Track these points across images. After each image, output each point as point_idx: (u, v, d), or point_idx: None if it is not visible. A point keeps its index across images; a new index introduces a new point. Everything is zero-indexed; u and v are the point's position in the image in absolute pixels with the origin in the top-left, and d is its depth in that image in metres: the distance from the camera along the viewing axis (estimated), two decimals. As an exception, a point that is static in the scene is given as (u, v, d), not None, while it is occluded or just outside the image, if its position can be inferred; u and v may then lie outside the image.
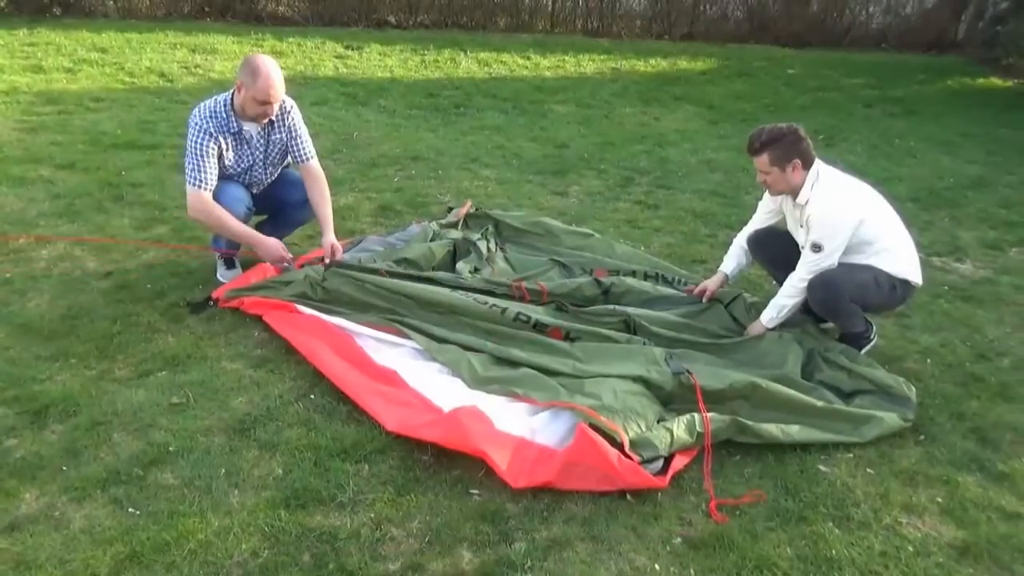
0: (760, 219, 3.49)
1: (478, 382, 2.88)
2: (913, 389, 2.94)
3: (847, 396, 2.96)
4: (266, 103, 3.29)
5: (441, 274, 3.55)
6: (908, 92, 9.44)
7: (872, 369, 3.04)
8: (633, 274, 3.68)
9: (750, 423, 2.64)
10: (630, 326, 3.27)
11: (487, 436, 2.47)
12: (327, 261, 3.46)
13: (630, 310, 3.34)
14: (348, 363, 2.93)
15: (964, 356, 3.39)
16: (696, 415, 2.63)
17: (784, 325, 3.28)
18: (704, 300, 3.47)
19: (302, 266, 3.54)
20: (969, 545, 2.29)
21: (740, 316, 3.39)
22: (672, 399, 2.82)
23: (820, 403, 2.82)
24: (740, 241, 3.53)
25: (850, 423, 2.76)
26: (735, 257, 3.52)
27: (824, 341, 3.25)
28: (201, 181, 3.32)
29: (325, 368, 2.89)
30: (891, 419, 2.78)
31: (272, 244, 3.47)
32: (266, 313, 3.26)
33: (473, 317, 3.23)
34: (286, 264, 3.53)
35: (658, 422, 2.63)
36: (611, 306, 3.39)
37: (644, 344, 3.14)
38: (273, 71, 3.26)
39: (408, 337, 3.13)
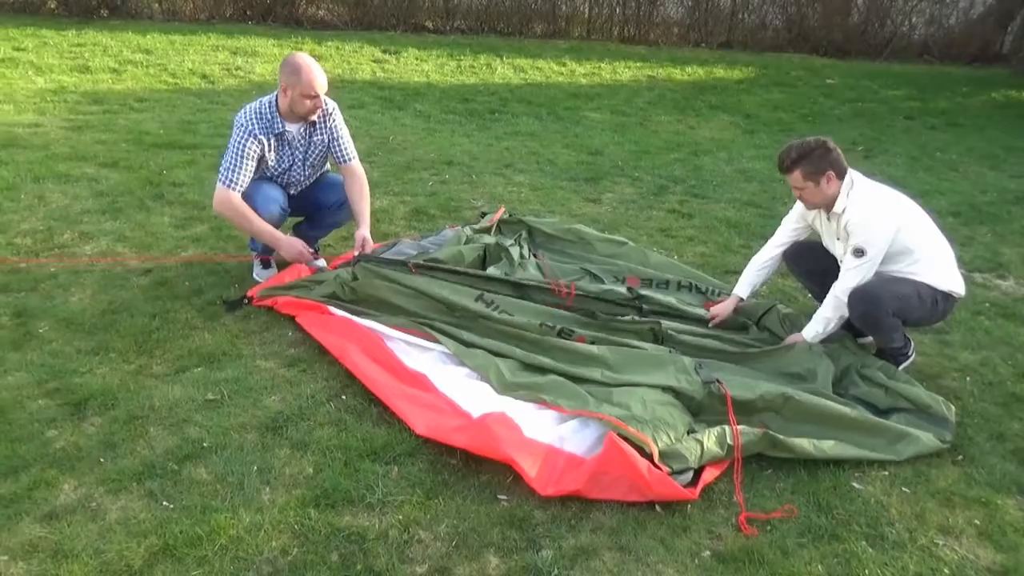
0: (784, 235, 3.42)
1: (506, 387, 2.88)
2: (952, 409, 2.88)
3: (883, 413, 2.90)
4: (315, 96, 3.35)
5: (470, 270, 3.58)
6: (951, 104, 9.27)
7: (911, 387, 2.98)
8: (667, 283, 3.65)
9: (782, 437, 2.61)
10: (657, 336, 3.26)
11: (515, 443, 2.47)
12: (356, 254, 3.49)
13: (661, 321, 3.32)
14: (378, 365, 2.95)
15: (1005, 375, 3.31)
16: (727, 427, 2.60)
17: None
18: (711, 325, 3.40)
19: (336, 267, 3.58)
20: (1008, 570, 2.23)
21: (775, 328, 3.35)
22: (702, 409, 2.80)
23: (853, 412, 2.78)
24: (754, 264, 3.46)
25: (884, 438, 2.71)
26: (748, 282, 3.45)
27: (862, 357, 3.19)
28: (233, 181, 3.38)
29: (356, 369, 2.91)
30: (927, 439, 2.72)
31: (293, 243, 3.51)
32: (299, 314, 3.30)
33: (496, 322, 3.24)
34: (320, 264, 3.57)
35: (688, 433, 2.61)
36: (638, 317, 3.38)
37: (670, 352, 3.12)
38: (314, 65, 3.35)
39: (437, 341, 3.15)
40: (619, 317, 3.38)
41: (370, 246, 3.54)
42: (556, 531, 2.26)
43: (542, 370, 3.00)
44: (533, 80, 9.13)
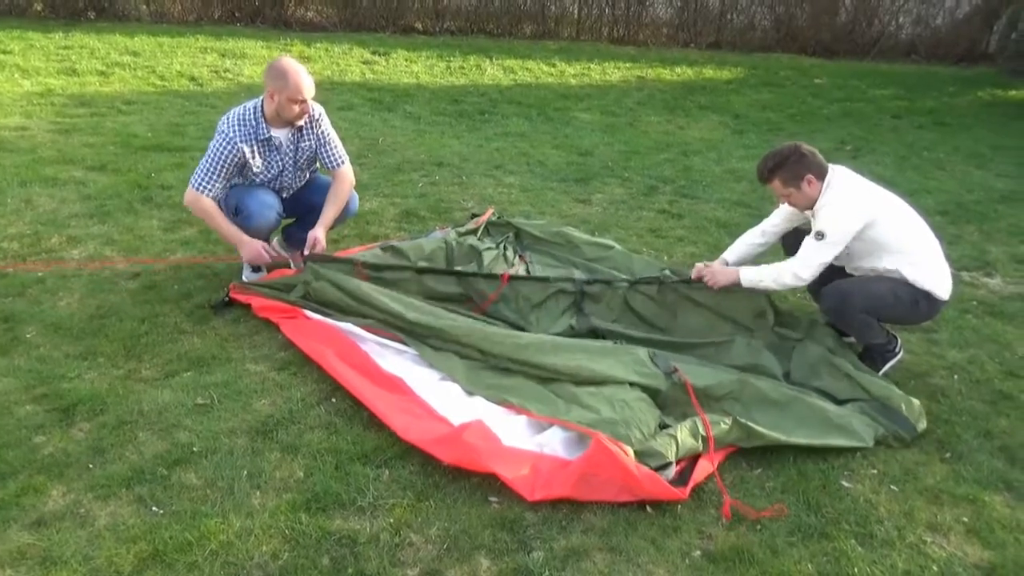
0: (778, 217, 3.44)
1: (473, 386, 2.89)
2: (916, 407, 2.86)
3: (840, 403, 2.92)
4: (302, 101, 3.33)
5: (414, 264, 3.56)
6: (937, 103, 9.32)
7: (876, 380, 2.98)
8: (648, 282, 3.58)
9: (752, 425, 2.64)
10: (598, 335, 3.30)
11: (496, 453, 2.46)
12: (305, 253, 3.47)
13: (594, 320, 3.38)
14: (355, 370, 2.92)
15: (993, 373, 3.33)
16: (696, 419, 2.64)
17: (795, 329, 3.30)
18: (693, 277, 3.42)
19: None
20: (995, 567, 2.25)
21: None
22: (667, 403, 2.82)
23: (808, 398, 2.85)
24: (749, 238, 3.49)
25: (837, 427, 2.74)
26: (737, 251, 3.48)
27: (837, 349, 3.19)
28: (204, 187, 3.38)
29: (335, 374, 2.89)
30: (866, 426, 2.76)
31: (252, 245, 3.47)
32: (278, 320, 3.27)
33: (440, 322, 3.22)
34: (302, 265, 3.55)
35: (661, 428, 2.64)
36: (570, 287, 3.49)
37: (618, 343, 3.15)
38: (300, 69, 3.34)
39: (406, 344, 3.14)
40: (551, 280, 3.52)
41: (320, 247, 3.48)
42: (547, 532, 2.26)
43: (507, 370, 2.99)
44: (523, 81, 9.13)
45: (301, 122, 3.44)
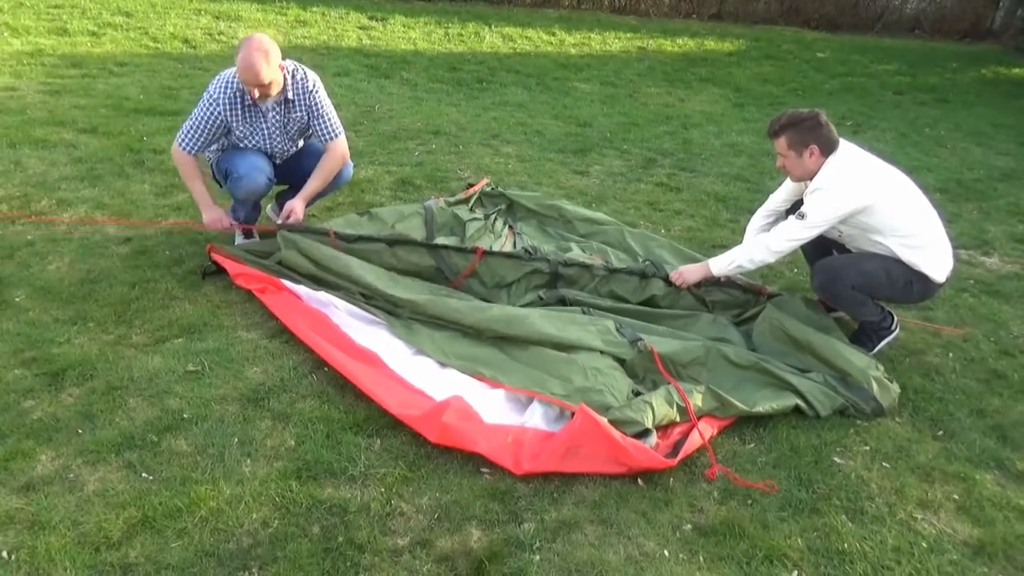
0: (779, 199, 3.39)
1: (444, 355, 2.88)
2: (871, 378, 2.82)
3: (802, 372, 2.92)
4: (248, 84, 3.19)
5: (386, 236, 3.49)
6: (940, 80, 9.25)
7: (838, 350, 2.94)
8: (629, 272, 3.51)
9: (723, 393, 2.65)
10: (566, 302, 3.30)
11: (480, 433, 2.44)
12: (279, 222, 3.43)
13: (563, 291, 3.37)
14: (332, 344, 2.88)
15: (987, 352, 3.33)
16: (669, 386, 2.65)
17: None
18: (672, 281, 3.37)
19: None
20: (984, 544, 2.26)
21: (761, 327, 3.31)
22: (635, 373, 2.83)
23: (768, 364, 2.86)
24: (757, 222, 3.44)
25: (796, 391, 2.76)
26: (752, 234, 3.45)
27: (808, 322, 3.15)
28: (185, 144, 3.34)
29: (318, 349, 2.84)
30: (825, 395, 2.77)
31: (215, 212, 3.43)
32: (255, 293, 3.22)
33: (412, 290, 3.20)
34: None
35: (635, 395, 2.65)
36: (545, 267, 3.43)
37: (585, 312, 3.15)
38: (253, 53, 3.11)
39: (375, 315, 3.11)
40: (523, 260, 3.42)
41: (296, 218, 3.42)
42: (538, 504, 2.26)
43: (478, 341, 2.98)
44: (522, 49, 9.01)
45: (264, 98, 3.32)
